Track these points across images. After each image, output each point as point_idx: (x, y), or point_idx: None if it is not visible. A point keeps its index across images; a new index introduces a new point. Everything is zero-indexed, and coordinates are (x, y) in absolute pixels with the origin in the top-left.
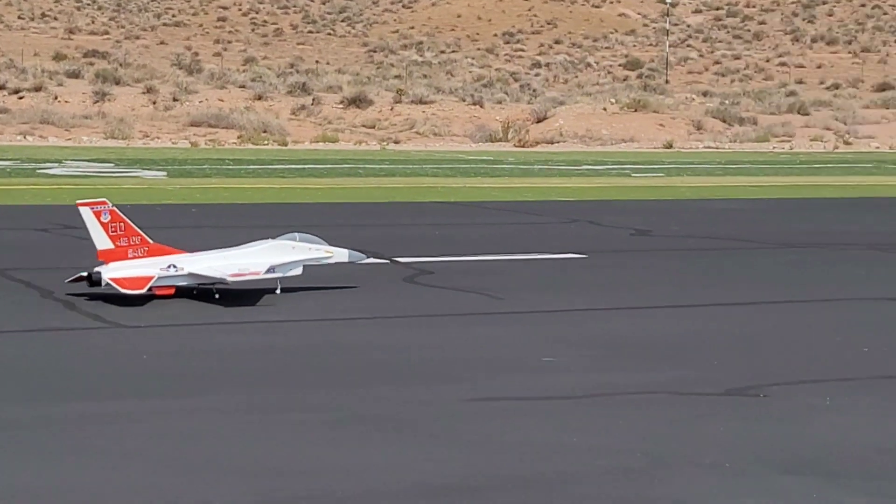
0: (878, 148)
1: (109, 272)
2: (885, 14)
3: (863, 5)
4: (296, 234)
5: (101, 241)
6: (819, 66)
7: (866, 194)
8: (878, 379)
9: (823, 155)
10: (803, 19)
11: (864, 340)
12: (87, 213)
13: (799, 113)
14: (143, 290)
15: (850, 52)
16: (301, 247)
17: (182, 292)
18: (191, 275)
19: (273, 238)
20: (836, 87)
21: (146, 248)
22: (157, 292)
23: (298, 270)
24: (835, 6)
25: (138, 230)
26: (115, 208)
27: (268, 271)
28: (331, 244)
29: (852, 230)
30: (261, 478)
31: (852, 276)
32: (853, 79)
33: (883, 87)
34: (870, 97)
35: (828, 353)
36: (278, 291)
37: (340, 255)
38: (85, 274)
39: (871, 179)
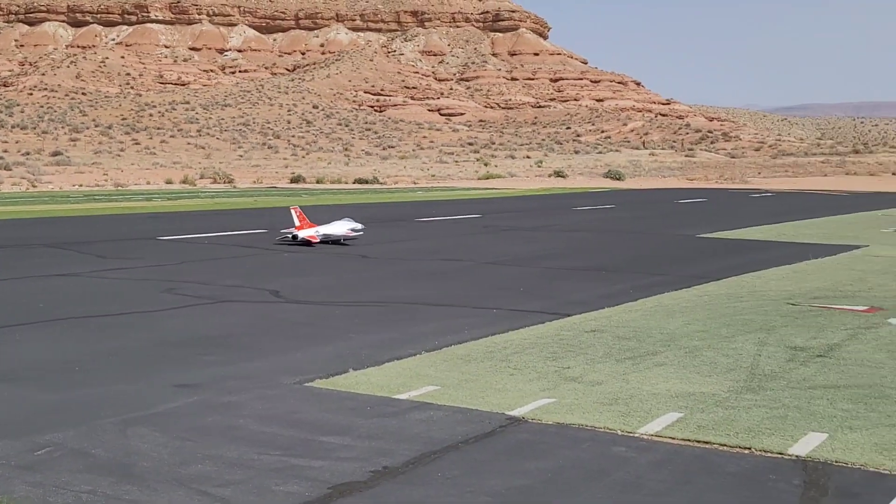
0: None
1: (300, 234)
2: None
3: None
4: (348, 217)
5: (296, 218)
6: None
7: None
8: None
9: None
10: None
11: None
12: (293, 211)
13: None
14: (314, 241)
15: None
16: (353, 223)
17: (325, 241)
18: (325, 234)
19: (346, 217)
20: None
21: (304, 221)
22: (312, 240)
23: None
24: None
25: (305, 216)
26: (298, 206)
27: (351, 230)
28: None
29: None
30: None
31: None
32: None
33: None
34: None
35: None
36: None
37: (359, 228)
38: (290, 235)
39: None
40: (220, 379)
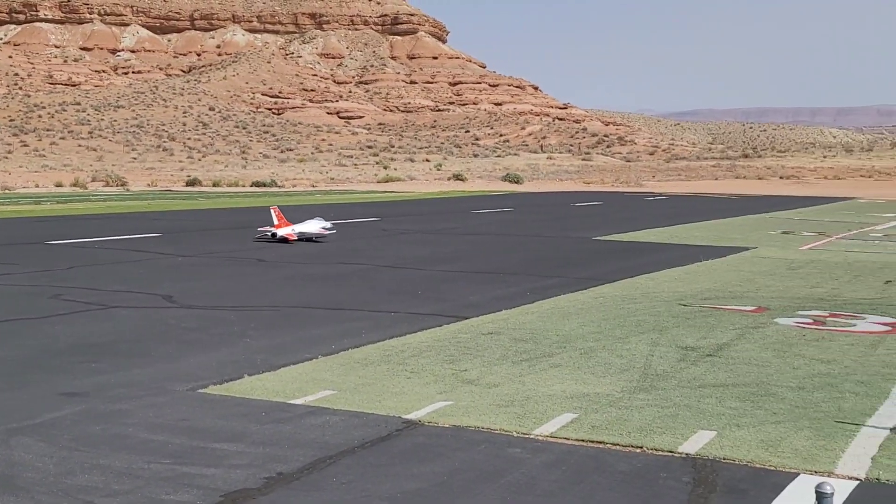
0: None
1: (278, 232)
2: None
3: None
4: (319, 216)
5: (275, 218)
6: None
7: None
8: None
9: None
10: None
11: None
12: (272, 211)
13: None
14: (291, 239)
15: None
16: (324, 223)
17: (300, 239)
18: (300, 233)
19: (317, 216)
20: None
21: (282, 220)
22: (290, 238)
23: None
24: None
25: (282, 215)
26: (277, 206)
27: (324, 229)
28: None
29: None
30: None
31: None
32: None
33: None
34: None
35: None
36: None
37: (329, 226)
38: (269, 233)
39: None
40: (108, 387)
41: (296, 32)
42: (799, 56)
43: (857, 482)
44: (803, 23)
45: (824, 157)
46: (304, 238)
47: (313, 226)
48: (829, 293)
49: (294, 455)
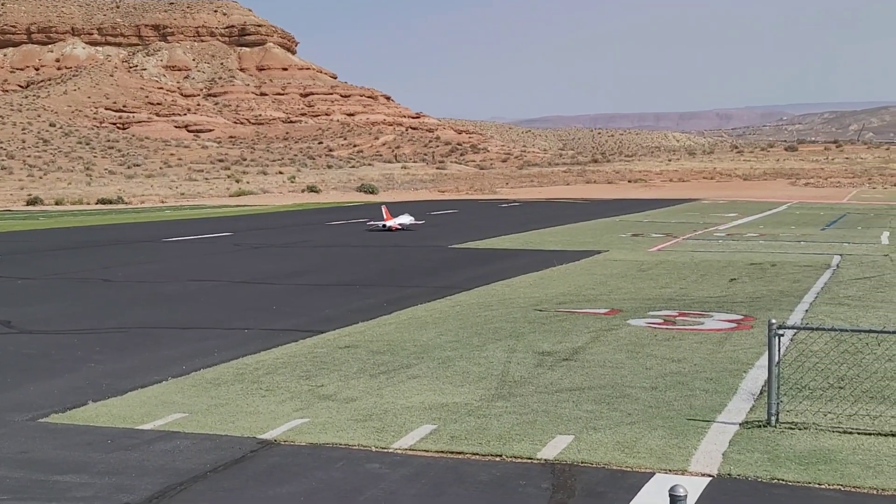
0: None
1: (388, 223)
2: None
3: None
4: (407, 213)
5: (385, 215)
6: None
7: None
8: None
9: None
10: None
11: None
12: (383, 208)
13: None
14: (395, 229)
15: None
16: (412, 218)
17: (401, 228)
18: (401, 224)
19: (406, 213)
20: None
21: (389, 216)
22: (394, 228)
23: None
24: None
25: (389, 211)
26: (385, 204)
27: (416, 221)
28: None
29: None
30: None
31: None
32: None
33: None
34: None
35: None
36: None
37: (417, 220)
38: (380, 225)
39: None
40: None
41: (139, 45)
42: (643, 63)
43: (710, 478)
44: (646, 30)
45: (669, 160)
46: (404, 228)
47: (407, 219)
48: (678, 293)
49: (142, 484)
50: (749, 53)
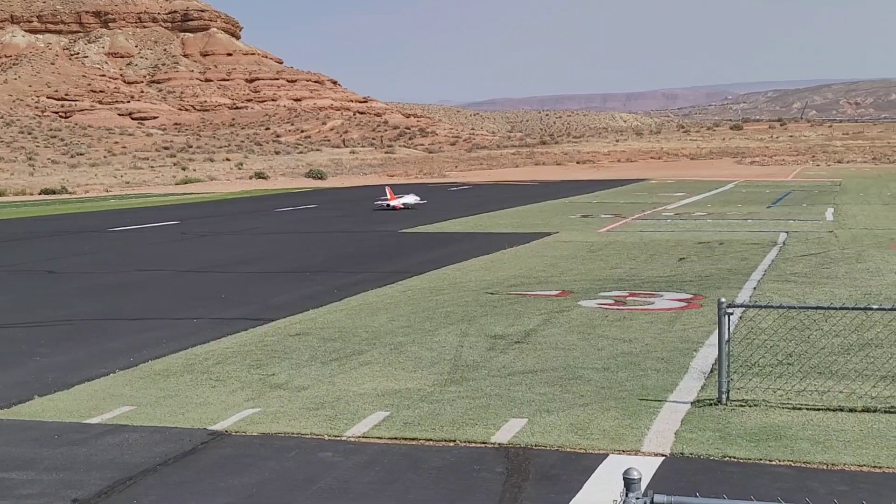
0: None
1: (391, 202)
2: None
3: None
4: (413, 192)
5: (388, 194)
6: None
7: None
8: None
9: None
10: None
11: None
12: (386, 188)
13: None
14: (399, 208)
15: None
16: (417, 197)
17: (405, 207)
18: (405, 203)
19: (412, 192)
20: None
21: (393, 195)
22: (398, 207)
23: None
24: None
25: (392, 191)
26: (388, 185)
27: (420, 200)
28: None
29: None
30: None
31: None
32: None
33: None
34: None
35: None
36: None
37: (422, 199)
38: (384, 203)
39: None
40: None
41: (80, 32)
42: (590, 44)
43: (663, 458)
44: (593, 12)
45: (617, 141)
46: (408, 207)
47: (411, 199)
48: (628, 273)
49: (90, 479)
50: (693, 33)
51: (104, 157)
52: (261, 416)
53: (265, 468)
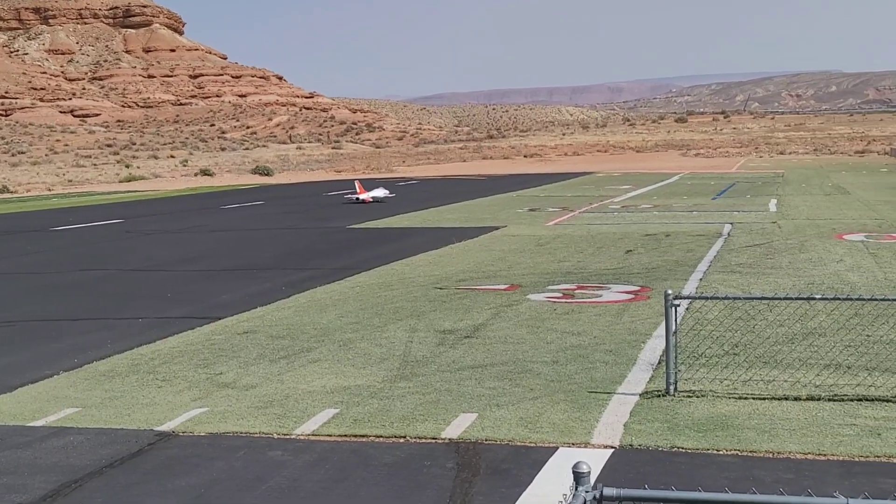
0: None
1: (361, 196)
2: None
3: None
4: (382, 186)
5: (358, 188)
6: None
7: None
8: None
9: None
10: None
11: None
12: (356, 183)
13: None
14: (368, 202)
15: None
16: (387, 191)
17: (374, 201)
18: (374, 197)
19: (381, 186)
20: None
21: (363, 189)
22: (367, 201)
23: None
24: None
25: (362, 185)
26: (358, 179)
27: (389, 194)
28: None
29: None
30: None
31: None
32: None
33: None
34: None
35: None
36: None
37: (390, 193)
38: (354, 198)
39: None
40: None
41: (20, 28)
42: (535, 38)
43: (612, 450)
44: (535, 4)
45: (563, 134)
46: (377, 200)
47: (380, 192)
48: (576, 266)
49: (35, 483)
50: (638, 26)
51: (46, 155)
52: (208, 416)
53: (214, 468)
